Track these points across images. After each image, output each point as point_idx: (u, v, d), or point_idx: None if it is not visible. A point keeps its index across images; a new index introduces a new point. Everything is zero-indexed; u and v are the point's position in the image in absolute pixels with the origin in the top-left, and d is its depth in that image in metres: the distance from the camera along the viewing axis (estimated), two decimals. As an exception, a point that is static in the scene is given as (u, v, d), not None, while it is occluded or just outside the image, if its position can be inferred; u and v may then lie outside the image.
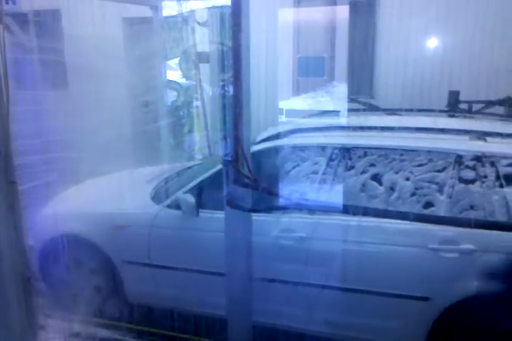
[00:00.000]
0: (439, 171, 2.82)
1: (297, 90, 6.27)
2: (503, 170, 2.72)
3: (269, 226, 2.93)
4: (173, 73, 6.22)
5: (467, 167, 2.78)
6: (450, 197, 2.76)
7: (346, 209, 2.62)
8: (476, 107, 4.26)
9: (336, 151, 2.98)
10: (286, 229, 2.91)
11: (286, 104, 5.62)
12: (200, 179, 3.24)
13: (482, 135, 2.92)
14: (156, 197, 3.44)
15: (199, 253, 3.06)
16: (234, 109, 2.46)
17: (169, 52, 5.66)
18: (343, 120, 3.69)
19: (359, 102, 4.70)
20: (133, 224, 3.27)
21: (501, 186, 2.71)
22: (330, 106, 5.28)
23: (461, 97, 4.23)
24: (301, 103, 5.66)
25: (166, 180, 3.78)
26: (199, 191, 3.19)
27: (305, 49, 6.30)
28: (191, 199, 3.04)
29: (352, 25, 5.97)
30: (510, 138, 2.90)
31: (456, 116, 3.82)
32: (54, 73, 6.62)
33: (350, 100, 4.73)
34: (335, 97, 5.36)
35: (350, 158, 2.95)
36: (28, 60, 6.16)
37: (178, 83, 6.00)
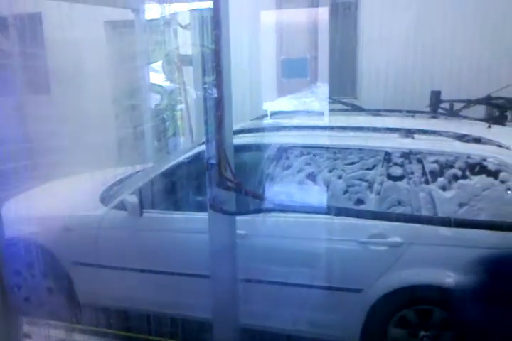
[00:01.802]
0: (369, 169, 2.91)
1: (282, 91, 6.28)
2: (429, 166, 2.82)
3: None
4: (157, 76, 6.19)
5: (395, 164, 2.87)
6: (379, 194, 2.84)
7: (330, 210, 2.64)
8: (457, 106, 4.32)
9: (273, 151, 3.04)
10: None
11: (271, 105, 5.62)
12: (146, 180, 3.31)
13: (410, 132, 3.00)
14: (105, 199, 3.48)
15: (143, 253, 3.12)
16: (216, 112, 2.45)
17: (152, 55, 5.63)
18: (295, 121, 3.73)
19: (342, 103, 4.72)
20: (80, 226, 3.32)
21: (427, 182, 2.80)
22: (315, 107, 5.30)
23: (444, 97, 4.28)
24: (286, 104, 5.67)
25: (117, 182, 3.80)
26: (144, 192, 3.25)
27: (288, 50, 6.31)
28: (134, 199, 3.10)
29: (334, 26, 6.00)
30: (435, 135, 2.99)
31: (415, 117, 3.89)
32: (36, 78, 6.56)
33: (333, 101, 4.75)
34: (319, 98, 5.38)
35: (287, 158, 3.03)
36: (8, 65, 6.08)
37: (162, 86, 5.97)
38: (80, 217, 3.39)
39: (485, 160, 2.77)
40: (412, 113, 3.98)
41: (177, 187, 3.33)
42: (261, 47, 6.19)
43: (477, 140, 2.92)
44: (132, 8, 5.18)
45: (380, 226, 2.76)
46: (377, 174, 2.88)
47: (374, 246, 2.80)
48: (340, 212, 2.66)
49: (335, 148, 2.99)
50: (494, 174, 2.74)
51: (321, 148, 3.02)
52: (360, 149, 2.94)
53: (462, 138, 2.94)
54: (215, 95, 2.48)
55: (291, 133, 3.27)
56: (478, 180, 2.75)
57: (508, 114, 4.24)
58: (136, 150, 5.55)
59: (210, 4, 2.44)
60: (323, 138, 3.11)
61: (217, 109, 2.47)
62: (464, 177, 2.77)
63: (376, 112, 4.02)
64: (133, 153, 5.52)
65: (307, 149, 3.02)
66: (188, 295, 3.13)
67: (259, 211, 2.60)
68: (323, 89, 5.32)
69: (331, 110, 4.11)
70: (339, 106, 4.54)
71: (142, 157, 5.36)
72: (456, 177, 2.79)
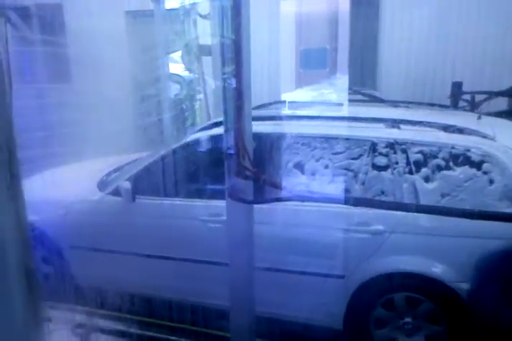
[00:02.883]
0: (354, 159, 2.93)
1: (300, 82, 6.26)
2: (413, 156, 2.82)
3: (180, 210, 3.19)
4: (177, 66, 6.21)
5: (380, 154, 2.88)
6: (363, 184, 2.86)
7: (347, 200, 2.64)
8: (479, 98, 4.26)
9: (262, 139, 3.05)
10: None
11: (289, 96, 5.61)
12: (140, 167, 3.39)
13: (396, 123, 3.00)
14: (102, 185, 3.58)
15: (135, 237, 3.23)
16: (235, 102, 2.46)
17: (172, 44, 5.65)
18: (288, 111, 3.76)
19: (362, 94, 4.69)
20: (77, 211, 3.43)
21: (411, 172, 2.82)
22: (334, 98, 5.27)
23: (466, 88, 4.23)
24: (304, 95, 5.65)
25: (116, 169, 3.89)
26: (138, 178, 3.34)
27: (307, 40, 6.27)
28: (128, 186, 3.19)
29: (355, 16, 5.94)
30: (421, 125, 2.99)
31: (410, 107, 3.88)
32: (57, 67, 6.63)
33: (353, 92, 4.72)
34: (338, 89, 5.35)
35: (278, 147, 3.06)
36: (30, 53, 6.17)
37: (181, 76, 5.99)
38: (76, 202, 3.49)
39: (468, 150, 2.77)
40: (431, 105, 3.94)
41: (170, 174, 3.39)
42: (280, 38, 6.17)
43: (461, 130, 2.91)
44: (152, -3, 5.19)
45: (364, 214, 2.80)
46: (363, 164, 2.90)
47: (357, 234, 2.85)
48: (357, 201, 2.66)
49: (322, 137, 3.01)
50: (477, 165, 2.75)
51: (306, 137, 3.04)
52: (347, 139, 2.96)
53: (447, 128, 2.94)
54: (234, 85, 2.49)
55: (282, 122, 3.28)
56: (461, 171, 2.76)
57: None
58: (154, 139, 5.59)
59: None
60: (309, 128, 3.12)
61: (236, 99, 2.47)
62: (448, 167, 2.79)
63: (395, 104, 3.99)
64: (151, 141, 5.56)
65: (294, 138, 3.04)
66: (180, 278, 3.24)
67: (277, 200, 2.61)
68: (342, 80, 5.29)
69: (350, 101, 4.09)
70: (359, 97, 4.51)
71: (160, 145, 5.41)
72: (439, 168, 2.80)
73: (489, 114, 4.05)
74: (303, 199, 2.67)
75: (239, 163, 2.45)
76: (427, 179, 2.80)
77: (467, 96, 4.18)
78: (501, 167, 2.71)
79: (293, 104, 4.09)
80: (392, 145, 2.87)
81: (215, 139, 3.23)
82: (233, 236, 2.69)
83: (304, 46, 6.28)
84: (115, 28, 6.56)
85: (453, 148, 2.79)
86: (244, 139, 2.47)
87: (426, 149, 2.83)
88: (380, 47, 6.18)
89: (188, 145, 3.34)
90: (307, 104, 4.12)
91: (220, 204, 3.06)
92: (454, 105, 3.94)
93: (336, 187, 2.94)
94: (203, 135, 3.32)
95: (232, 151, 2.53)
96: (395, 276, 2.81)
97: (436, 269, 2.74)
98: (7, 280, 1.41)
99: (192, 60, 5.53)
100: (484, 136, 2.85)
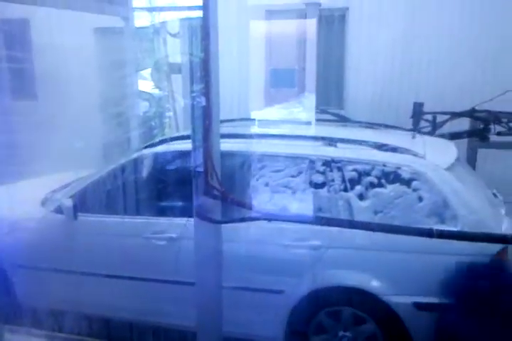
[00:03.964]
0: (293, 176, 3.00)
1: (270, 101, 6.33)
2: (348, 174, 2.93)
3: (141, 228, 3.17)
4: (146, 83, 6.20)
5: (318, 172, 2.96)
6: (301, 201, 2.95)
7: (318, 220, 2.67)
8: (441, 119, 4.38)
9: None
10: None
11: (259, 114, 5.65)
12: (84, 184, 3.38)
13: (333, 141, 3.10)
14: (46, 203, 3.53)
15: (78, 255, 3.18)
16: (204, 120, 2.47)
17: (141, 62, 5.64)
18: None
19: (329, 113, 4.77)
20: (20, 229, 3.37)
21: (346, 190, 2.91)
22: (302, 117, 5.34)
23: (428, 109, 4.34)
24: (273, 113, 5.71)
25: (62, 186, 3.82)
26: (81, 195, 3.32)
27: (277, 60, 6.37)
28: (70, 203, 3.16)
29: (322, 37, 6.09)
30: (356, 144, 3.10)
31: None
32: (22, 83, 6.51)
33: (320, 111, 4.79)
34: (306, 108, 5.43)
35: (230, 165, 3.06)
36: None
37: (150, 93, 5.98)
38: (19, 220, 3.42)
39: (399, 168, 2.86)
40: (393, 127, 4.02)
41: (113, 191, 3.38)
42: (250, 57, 6.24)
43: (394, 149, 3.01)
44: (121, 15, 5.19)
45: (302, 230, 2.84)
46: (301, 181, 2.97)
47: (296, 249, 2.89)
48: (329, 221, 2.70)
49: (264, 155, 3.07)
50: (407, 182, 2.84)
51: (245, 155, 3.09)
52: (286, 157, 3.03)
53: (381, 147, 3.03)
54: (203, 104, 2.50)
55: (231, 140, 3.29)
56: (392, 188, 2.85)
57: (491, 126, 4.33)
58: (121, 156, 5.52)
59: (199, 13, 2.46)
60: (251, 146, 3.18)
61: (205, 117, 2.48)
62: (380, 185, 2.87)
63: (359, 124, 4.08)
64: (118, 159, 5.49)
65: (236, 156, 3.09)
66: (124, 297, 3.21)
67: (245, 220, 2.60)
68: (311, 99, 5.38)
69: (318, 120, 4.16)
70: (327, 116, 4.58)
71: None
72: (372, 185, 2.88)
73: (452, 135, 4.18)
74: (271, 218, 2.67)
75: (207, 182, 2.45)
76: (361, 196, 2.88)
77: (429, 117, 4.30)
78: (430, 184, 2.81)
79: (261, 121, 4.13)
80: (328, 163, 2.96)
81: (162, 156, 3.29)
82: (201, 256, 2.66)
83: (274, 66, 6.37)
84: (83, 45, 6.52)
85: (384, 165, 2.89)
86: (213, 158, 2.47)
87: (360, 167, 2.92)
88: (347, 68, 6.33)
89: (133, 161, 3.34)
90: (275, 122, 4.16)
91: (164, 221, 3.13)
92: (415, 125, 4.04)
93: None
94: (149, 152, 3.34)
95: (200, 169, 2.53)
96: (333, 290, 2.86)
97: (372, 283, 2.80)
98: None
99: (161, 77, 5.53)
100: (415, 154, 2.95)
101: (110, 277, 3.20)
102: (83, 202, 3.28)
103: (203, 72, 2.45)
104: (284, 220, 2.72)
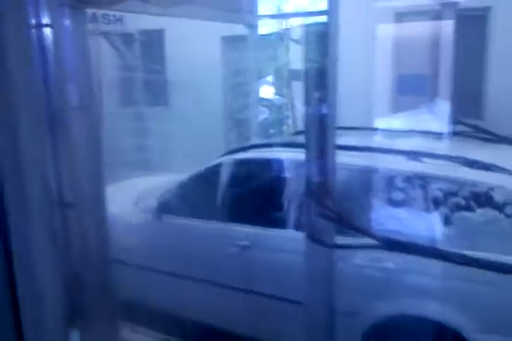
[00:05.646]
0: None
1: (396, 109, 5.95)
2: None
3: None
4: (269, 89, 6.20)
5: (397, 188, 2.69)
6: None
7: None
8: None
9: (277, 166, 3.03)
10: None
11: (382, 122, 5.33)
12: (170, 186, 3.42)
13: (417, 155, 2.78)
14: (138, 202, 3.57)
15: (159, 255, 3.25)
16: (319, 132, 2.28)
17: (264, 69, 5.64)
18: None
19: (464, 124, 4.27)
20: (114, 227, 3.43)
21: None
22: (431, 127, 4.90)
23: None
24: (399, 122, 5.34)
25: (156, 187, 3.79)
26: (166, 197, 3.39)
27: (405, 66, 5.96)
28: (154, 204, 3.33)
29: (458, 40, 5.53)
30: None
31: None
32: (156, 91, 6.91)
33: (455, 121, 4.31)
34: (436, 118, 4.97)
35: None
36: (133, 78, 6.49)
37: (271, 100, 5.95)
38: (116, 218, 3.47)
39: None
40: None
41: (199, 195, 3.35)
42: (376, 63, 5.92)
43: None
44: (247, 24, 5.22)
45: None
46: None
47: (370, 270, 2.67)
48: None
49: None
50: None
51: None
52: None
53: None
54: (320, 112, 2.33)
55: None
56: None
57: None
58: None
59: (322, 19, 2.31)
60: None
61: (320, 127, 2.29)
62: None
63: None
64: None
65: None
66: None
67: (364, 247, 2.32)
68: (443, 107, 4.91)
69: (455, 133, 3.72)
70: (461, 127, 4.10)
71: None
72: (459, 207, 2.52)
73: None
74: (393, 246, 2.34)
75: (320, 201, 2.21)
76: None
77: None
78: None
79: (385, 131, 3.83)
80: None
81: (248, 162, 3.21)
82: (311, 278, 2.45)
83: (403, 71, 5.98)
84: (211, 53, 6.72)
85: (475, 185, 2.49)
86: (329, 176, 2.25)
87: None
88: (489, 73, 5.69)
89: (217, 166, 3.26)
90: (400, 132, 3.82)
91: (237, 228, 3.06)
92: None
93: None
94: (232, 158, 3.25)
95: (314, 185, 2.33)
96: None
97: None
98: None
99: (282, 84, 5.47)
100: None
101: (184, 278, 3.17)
102: (166, 204, 3.31)
103: (322, 79, 2.29)
104: (410, 251, 2.37)
